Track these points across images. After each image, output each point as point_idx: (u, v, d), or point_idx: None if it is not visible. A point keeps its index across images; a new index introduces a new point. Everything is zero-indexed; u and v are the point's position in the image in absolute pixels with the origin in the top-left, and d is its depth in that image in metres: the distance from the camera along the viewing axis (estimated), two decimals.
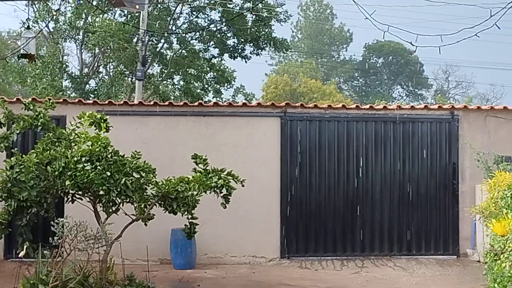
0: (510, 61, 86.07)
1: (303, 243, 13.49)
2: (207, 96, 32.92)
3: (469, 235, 13.56)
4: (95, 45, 28.62)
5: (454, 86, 65.91)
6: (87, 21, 29.39)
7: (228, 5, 29.70)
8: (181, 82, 31.97)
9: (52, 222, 9.22)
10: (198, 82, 32.47)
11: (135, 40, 27.58)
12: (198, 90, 32.38)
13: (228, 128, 13.52)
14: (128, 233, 9.76)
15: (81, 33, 30.51)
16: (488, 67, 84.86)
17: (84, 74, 32.72)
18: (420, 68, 66.39)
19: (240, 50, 31.29)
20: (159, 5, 29.51)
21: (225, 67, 33.08)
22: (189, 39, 31.29)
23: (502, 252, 7.59)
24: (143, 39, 25.68)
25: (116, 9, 29.94)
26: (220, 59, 32.03)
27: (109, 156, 9.18)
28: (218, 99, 32.15)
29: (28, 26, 16.11)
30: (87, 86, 32.26)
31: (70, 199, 9.69)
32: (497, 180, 10.27)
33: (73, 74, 32.20)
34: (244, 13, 28.70)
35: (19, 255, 9.39)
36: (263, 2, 29.03)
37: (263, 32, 30.31)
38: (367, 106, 14.19)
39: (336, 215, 13.58)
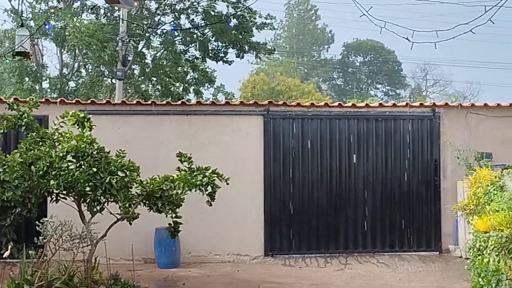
0: (486, 59, 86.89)
1: (286, 240, 13.53)
2: (188, 95, 32.91)
3: (451, 231, 13.66)
4: (75, 45, 28.47)
5: (431, 84, 66.39)
6: (66, 21, 29.20)
7: (212, 11, 29.75)
8: (161, 83, 31.85)
9: (36, 222, 9.17)
10: (178, 83, 32.44)
11: (117, 38, 27.45)
12: (180, 90, 32.34)
13: (211, 126, 13.52)
14: (112, 232, 9.74)
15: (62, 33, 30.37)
16: (465, 66, 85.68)
17: (63, 75, 32.57)
18: (398, 67, 66.72)
19: (222, 54, 31.31)
20: (142, 6, 29.43)
21: (207, 67, 33.08)
22: (171, 41, 31.23)
23: (485, 248, 7.65)
24: (123, 39, 25.55)
25: (95, 9, 29.93)
26: (201, 60, 32.01)
27: (94, 152, 9.15)
28: (199, 98, 32.16)
29: (22, 23, 16.00)
30: (67, 87, 32.13)
31: (54, 198, 9.65)
32: (477, 177, 10.35)
33: (51, 75, 32.13)
34: (228, 19, 28.73)
35: (4, 256, 9.33)
36: (247, 8, 29.10)
37: (244, 37, 30.33)
38: (350, 104, 14.27)
39: (319, 213, 13.64)
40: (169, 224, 9.89)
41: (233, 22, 29.46)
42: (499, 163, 12.36)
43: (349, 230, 13.69)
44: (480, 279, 7.94)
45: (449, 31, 10.05)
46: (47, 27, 27.35)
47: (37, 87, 31.65)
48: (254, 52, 31.38)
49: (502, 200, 7.75)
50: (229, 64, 31.70)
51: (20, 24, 16.49)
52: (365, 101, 17.31)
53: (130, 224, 9.70)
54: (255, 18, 30.56)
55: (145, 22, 30.59)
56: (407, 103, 14.36)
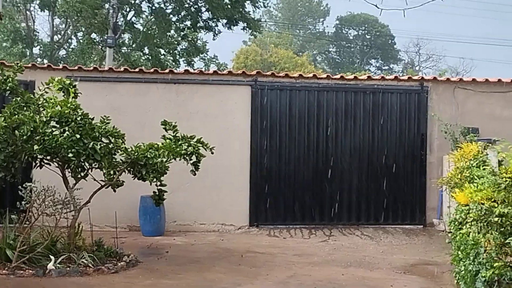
0: (480, 35, 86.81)
1: (272, 211, 13.57)
2: (178, 68, 32.77)
3: (436, 205, 13.73)
4: (65, 11, 28.25)
5: (424, 59, 66.34)
6: None
7: None
8: (151, 54, 31.65)
9: (19, 187, 9.17)
10: (169, 54, 32.28)
11: (108, 5, 27.22)
12: (169, 61, 32.18)
13: (198, 96, 13.48)
14: (97, 199, 9.75)
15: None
16: (459, 41, 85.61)
17: (54, 42, 32.37)
18: (391, 41, 66.56)
19: (213, 25, 31.08)
20: None
21: (197, 37, 32.86)
22: (164, 9, 30.99)
23: (465, 220, 7.68)
24: (114, 5, 25.34)
25: None
26: (193, 30, 31.78)
27: (78, 118, 9.12)
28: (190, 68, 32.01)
29: None
30: (57, 54, 31.94)
31: (38, 164, 9.64)
32: (463, 152, 10.37)
33: (43, 41, 31.93)
34: None
35: None
36: None
37: (237, 11, 30.08)
38: (338, 76, 14.24)
39: (305, 184, 13.67)
40: (154, 192, 9.90)
41: None
42: (484, 138, 12.40)
43: (334, 202, 13.72)
44: (459, 252, 7.99)
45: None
46: None
47: (28, 52, 31.47)
48: (245, 24, 31.12)
49: (483, 174, 7.78)
50: (214, 37, 31.40)
51: None
52: (355, 74, 17.27)
53: (114, 191, 9.73)
54: None
55: None
56: (395, 77, 14.33)
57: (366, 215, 13.81)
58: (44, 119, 9.10)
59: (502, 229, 6.80)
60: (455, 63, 70.43)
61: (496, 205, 6.94)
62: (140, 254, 10.38)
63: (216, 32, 31.21)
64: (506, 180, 6.98)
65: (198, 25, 30.83)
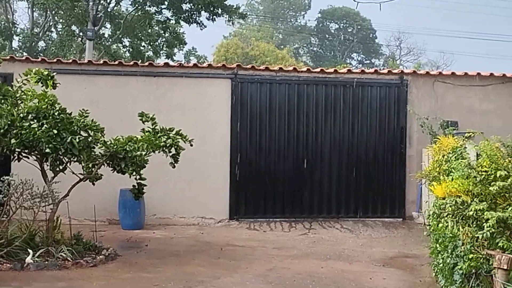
0: (460, 29, 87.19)
1: (252, 205, 13.56)
2: (159, 59, 32.63)
3: (415, 198, 13.79)
4: (45, 3, 28.01)
5: (405, 53, 66.55)
6: None
7: None
8: (132, 46, 31.48)
9: None
10: (150, 46, 32.12)
11: None
12: (150, 53, 32.01)
13: (178, 89, 13.43)
14: (76, 193, 9.71)
15: None
16: (439, 35, 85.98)
17: (34, 34, 32.10)
18: (372, 35, 66.68)
19: (195, 16, 30.93)
20: None
21: (178, 28, 32.70)
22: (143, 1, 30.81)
23: (440, 214, 7.71)
24: None
25: None
26: (174, 21, 31.62)
27: (56, 113, 9.05)
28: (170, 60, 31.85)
29: None
30: (37, 47, 31.69)
31: (16, 157, 9.56)
32: (441, 145, 10.41)
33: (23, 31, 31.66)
34: None
35: None
36: None
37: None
38: (318, 70, 14.24)
39: (285, 178, 13.67)
40: (133, 185, 9.86)
41: None
42: (462, 131, 12.45)
43: (314, 195, 13.75)
44: (437, 245, 8.04)
45: None
46: None
47: (7, 46, 31.19)
48: (227, 16, 31.00)
49: (460, 167, 7.80)
50: (200, 27, 31.26)
51: None
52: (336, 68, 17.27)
53: (93, 184, 9.68)
54: None
55: None
56: (375, 70, 14.35)
57: (345, 208, 13.84)
58: (22, 115, 9.02)
59: (478, 222, 6.82)
60: (436, 57, 70.67)
61: (471, 199, 6.97)
62: (119, 247, 10.35)
63: (199, 22, 31.04)
64: (482, 174, 7.01)
65: (180, 16, 30.64)
